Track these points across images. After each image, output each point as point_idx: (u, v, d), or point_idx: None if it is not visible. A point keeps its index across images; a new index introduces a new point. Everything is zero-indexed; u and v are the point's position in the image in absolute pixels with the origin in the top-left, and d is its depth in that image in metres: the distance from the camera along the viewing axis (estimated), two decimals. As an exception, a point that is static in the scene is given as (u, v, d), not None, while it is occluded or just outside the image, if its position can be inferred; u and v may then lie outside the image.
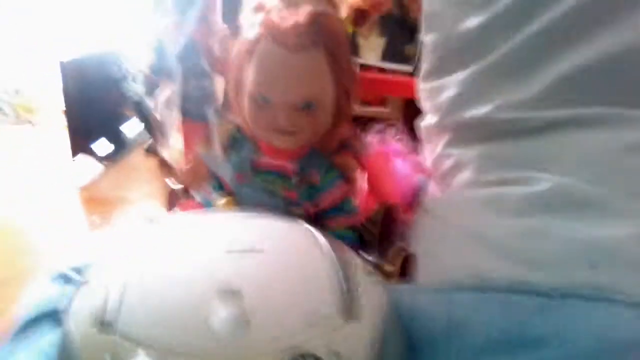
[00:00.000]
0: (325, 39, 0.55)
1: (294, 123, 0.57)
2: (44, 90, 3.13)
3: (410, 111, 0.78)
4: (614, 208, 0.45)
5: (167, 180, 0.71)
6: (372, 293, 0.40)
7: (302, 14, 0.54)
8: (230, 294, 0.36)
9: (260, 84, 0.56)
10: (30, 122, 3.17)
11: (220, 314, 0.35)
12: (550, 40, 0.51)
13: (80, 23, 2.84)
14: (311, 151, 0.61)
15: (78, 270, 0.55)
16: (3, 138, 2.83)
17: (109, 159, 2.61)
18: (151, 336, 0.34)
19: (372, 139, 0.72)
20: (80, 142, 2.39)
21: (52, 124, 3.05)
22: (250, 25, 0.57)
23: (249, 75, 0.57)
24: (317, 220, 0.62)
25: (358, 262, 0.43)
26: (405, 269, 0.56)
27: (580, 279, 0.43)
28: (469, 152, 0.58)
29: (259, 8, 0.57)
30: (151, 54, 1.26)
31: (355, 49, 1.30)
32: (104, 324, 0.35)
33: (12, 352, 0.48)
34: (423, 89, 0.67)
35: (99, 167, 2.54)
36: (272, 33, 0.55)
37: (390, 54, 1.54)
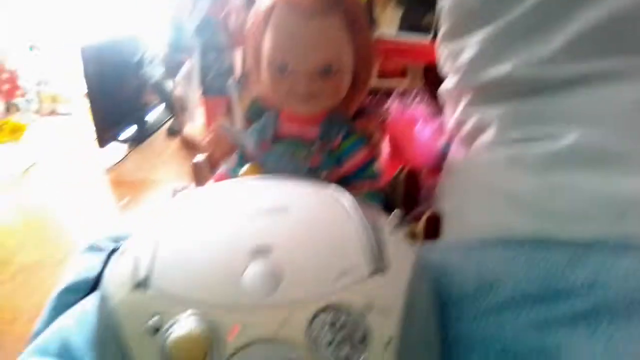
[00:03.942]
0: (340, 2, 0.55)
1: (313, 88, 0.57)
2: (68, 79, 3.17)
3: (430, 80, 0.77)
4: (638, 159, 0.45)
5: (194, 159, 0.72)
6: (400, 246, 0.40)
7: None
8: (261, 251, 0.37)
9: (278, 51, 0.56)
10: (54, 110, 3.23)
11: (252, 271, 0.36)
12: None
13: (99, 8, 2.86)
14: (331, 116, 0.62)
15: (111, 240, 0.57)
16: (30, 127, 2.88)
17: (132, 142, 2.65)
18: (186, 292, 0.35)
19: (393, 104, 0.72)
20: (104, 126, 2.43)
21: (76, 111, 3.11)
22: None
23: (267, 44, 0.57)
24: (340, 185, 0.62)
25: (384, 220, 0.43)
26: (429, 231, 0.56)
27: (606, 230, 0.43)
28: (491, 112, 0.57)
29: None
30: (169, 31, 1.26)
31: (371, 21, 1.29)
32: (138, 283, 0.36)
33: (54, 316, 0.50)
34: (442, 52, 0.67)
35: (124, 149, 2.58)
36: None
37: (407, 24, 1.52)
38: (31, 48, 3.14)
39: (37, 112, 3.17)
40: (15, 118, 2.92)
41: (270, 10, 0.56)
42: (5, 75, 3.00)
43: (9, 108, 3.05)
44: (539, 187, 0.48)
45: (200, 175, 0.73)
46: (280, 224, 0.40)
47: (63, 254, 1.70)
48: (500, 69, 0.55)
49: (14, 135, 2.71)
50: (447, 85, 0.68)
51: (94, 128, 2.38)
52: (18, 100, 3.07)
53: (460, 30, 0.61)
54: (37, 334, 0.51)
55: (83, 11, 2.99)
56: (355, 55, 0.58)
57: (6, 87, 3.01)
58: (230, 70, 0.84)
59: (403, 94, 0.74)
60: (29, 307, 1.49)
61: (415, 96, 0.74)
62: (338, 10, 0.55)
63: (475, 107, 0.60)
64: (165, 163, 2.46)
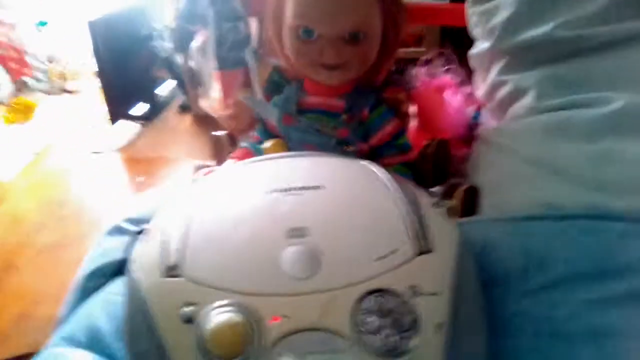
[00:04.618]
0: None
1: (340, 56, 0.53)
2: (77, 56, 3.14)
3: (451, 45, 0.74)
4: None
5: (213, 133, 0.68)
6: (443, 224, 0.38)
7: None
8: (297, 233, 0.35)
9: (303, 16, 0.53)
10: (64, 88, 3.21)
11: (289, 255, 0.33)
12: None
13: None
14: (358, 86, 0.58)
15: (133, 222, 0.55)
16: (40, 105, 2.86)
17: (144, 119, 2.62)
18: (221, 279, 0.33)
19: (420, 72, 0.68)
20: (115, 104, 2.40)
21: (86, 88, 3.08)
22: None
23: (289, 9, 0.54)
24: (370, 158, 0.59)
25: (424, 195, 0.41)
26: (466, 205, 0.54)
27: None
28: (528, 76, 0.54)
29: None
30: (181, 1, 1.22)
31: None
32: (169, 269, 0.34)
33: (79, 301, 0.49)
34: (473, 13, 0.63)
35: (136, 127, 2.56)
36: None
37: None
38: (39, 24, 3.10)
39: (47, 90, 3.15)
40: (25, 97, 2.90)
41: None
42: (13, 53, 2.97)
43: (19, 87, 3.03)
44: (587, 155, 0.45)
45: (220, 151, 0.71)
46: (315, 203, 0.38)
47: (82, 233, 1.69)
48: (539, 30, 0.52)
49: (25, 115, 2.70)
50: (477, 49, 0.64)
51: (106, 105, 2.36)
52: (27, 79, 3.05)
53: None
54: (63, 319, 0.50)
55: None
56: (384, 19, 0.55)
57: (14, 65, 2.98)
58: (246, 41, 0.80)
59: (429, 61, 0.71)
60: (53, 288, 1.49)
61: (442, 63, 0.70)
62: None
63: (509, 73, 0.57)
64: (178, 140, 2.43)
